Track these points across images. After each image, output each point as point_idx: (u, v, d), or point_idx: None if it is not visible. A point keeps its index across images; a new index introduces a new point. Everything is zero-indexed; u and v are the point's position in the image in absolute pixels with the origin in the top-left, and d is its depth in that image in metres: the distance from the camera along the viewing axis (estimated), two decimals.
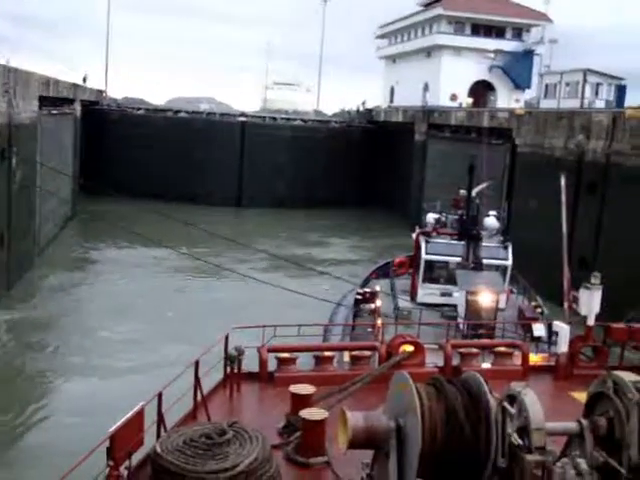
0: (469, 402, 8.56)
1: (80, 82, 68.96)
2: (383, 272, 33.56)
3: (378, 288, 28.10)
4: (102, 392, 24.19)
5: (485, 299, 23.50)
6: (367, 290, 28.09)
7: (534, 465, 8.18)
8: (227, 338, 13.40)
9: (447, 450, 8.40)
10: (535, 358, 17.45)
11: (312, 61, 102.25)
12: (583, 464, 8.24)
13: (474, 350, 15.56)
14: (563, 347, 15.24)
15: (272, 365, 14.29)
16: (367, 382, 12.71)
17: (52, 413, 23.33)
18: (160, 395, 10.46)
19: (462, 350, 15.50)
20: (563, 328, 15.40)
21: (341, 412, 8.80)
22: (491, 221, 29.05)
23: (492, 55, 78.50)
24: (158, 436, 10.30)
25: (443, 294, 26.90)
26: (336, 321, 27.41)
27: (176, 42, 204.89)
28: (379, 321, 23.94)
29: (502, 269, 26.98)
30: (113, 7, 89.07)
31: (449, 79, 77.78)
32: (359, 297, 27.39)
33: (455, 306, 25.33)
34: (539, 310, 26.42)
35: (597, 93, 60.36)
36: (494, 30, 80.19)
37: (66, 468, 8.24)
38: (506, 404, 8.55)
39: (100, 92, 76.95)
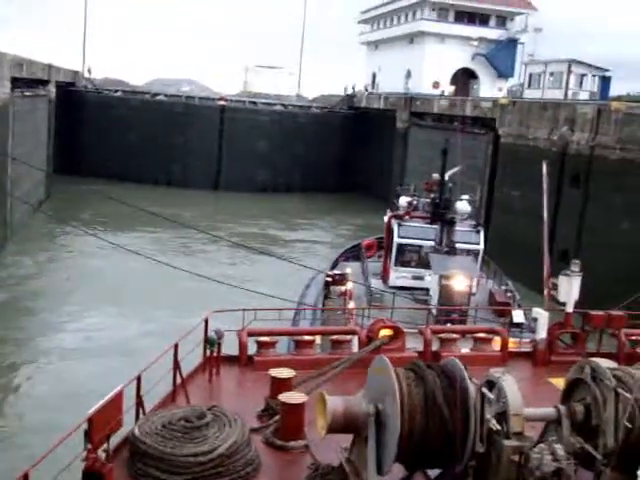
0: (448, 387, 8.60)
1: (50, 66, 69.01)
2: (352, 254, 33.60)
3: (348, 270, 28.08)
4: (80, 375, 24.07)
5: (459, 283, 23.48)
6: (337, 272, 28.03)
7: (512, 450, 8.24)
8: (207, 321, 13.35)
9: (426, 435, 8.44)
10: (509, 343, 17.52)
11: (293, 44, 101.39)
12: (560, 450, 8.31)
13: (454, 335, 15.60)
14: (542, 333, 15.34)
15: (252, 349, 14.27)
16: (347, 366, 12.72)
17: (29, 396, 23.18)
18: (139, 378, 10.40)
19: (442, 335, 15.55)
20: (542, 314, 15.49)
21: (320, 396, 8.81)
22: (462, 205, 28.92)
23: (475, 43, 78.46)
24: (137, 419, 10.25)
25: (415, 277, 26.91)
26: (306, 303, 27.44)
27: (158, 21, 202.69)
28: (352, 304, 23.98)
29: (474, 253, 27.08)
30: None
31: (432, 66, 77.74)
32: (329, 279, 27.38)
33: (427, 290, 25.40)
34: (509, 294, 26.55)
35: (581, 84, 60.44)
36: (478, 17, 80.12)
37: (43, 451, 8.16)
38: (485, 389, 8.60)
39: (76, 73, 76.31)
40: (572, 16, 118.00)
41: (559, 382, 11.23)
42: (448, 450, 8.44)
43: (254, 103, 76.59)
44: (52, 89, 60.72)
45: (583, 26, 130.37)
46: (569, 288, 15.00)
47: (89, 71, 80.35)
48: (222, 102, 73.09)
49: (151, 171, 67.93)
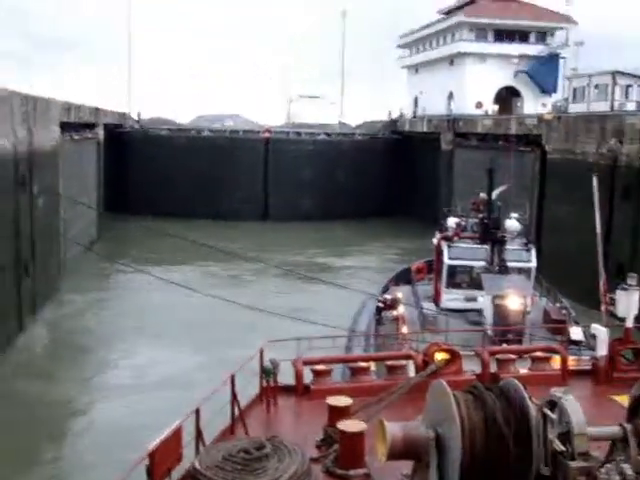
0: (508, 409, 8.43)
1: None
2: (402, 279, 33.43)
3: (399, 295, 27.89)
4: (137, 410, 24.30)
5: (513, 303, 23.13)
6: (388, 297, 27.89)
7: (578, 471, 8.01)
8: (262, 352, 13.37)
9: (488, 459, 8.27)
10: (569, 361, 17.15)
11: (334, 73, 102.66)
12: (628, 469, 8.06)
13: (511, 356, 15.35)
14: (602, 350, 14.99)
15: (307, 378, 14.24)
16: (404, 392, 12.60)
17: (88, 433, 23.49)
18: (198, 411, 10.46)
19: (499, 356, 15.31)
20: (601, 331, 15.15)
21: (379, 423, 8.72)
22: (512, 223, 28.64)
23: (516, 60, 77.99)
24: (197, 452, 10.28)
25: (467, 299, 26.56)
26: (358, 329, 27.33)
27: (200, 59, 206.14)
28: (405, 329, 23.82)
29: (526, 271, 26.69)
30: (134, 27, 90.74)
31: (474, 87, 77.46)
32: (380, 305, 27.24)
33: (480, 311, 25.11)
34: (564, 312, 26.08)
35: (627, 95, 59.57)
36: (517, 35, 79.70)
37: None
38: (546, 410, 8.41)
39: (123, 114, 78.19)
40: (613, 28, 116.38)
41: (623, 399, 10.94)
42: (512, 474, 8.26)
43: (298, 134, 77.35)
44: (100, 132, 62.45)
45: (624, 37, 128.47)
46: (627, 302, 14.66)
47: (138, 115, 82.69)
48: (266, 134, 73.90)
49: (199, 206, 68.90)
